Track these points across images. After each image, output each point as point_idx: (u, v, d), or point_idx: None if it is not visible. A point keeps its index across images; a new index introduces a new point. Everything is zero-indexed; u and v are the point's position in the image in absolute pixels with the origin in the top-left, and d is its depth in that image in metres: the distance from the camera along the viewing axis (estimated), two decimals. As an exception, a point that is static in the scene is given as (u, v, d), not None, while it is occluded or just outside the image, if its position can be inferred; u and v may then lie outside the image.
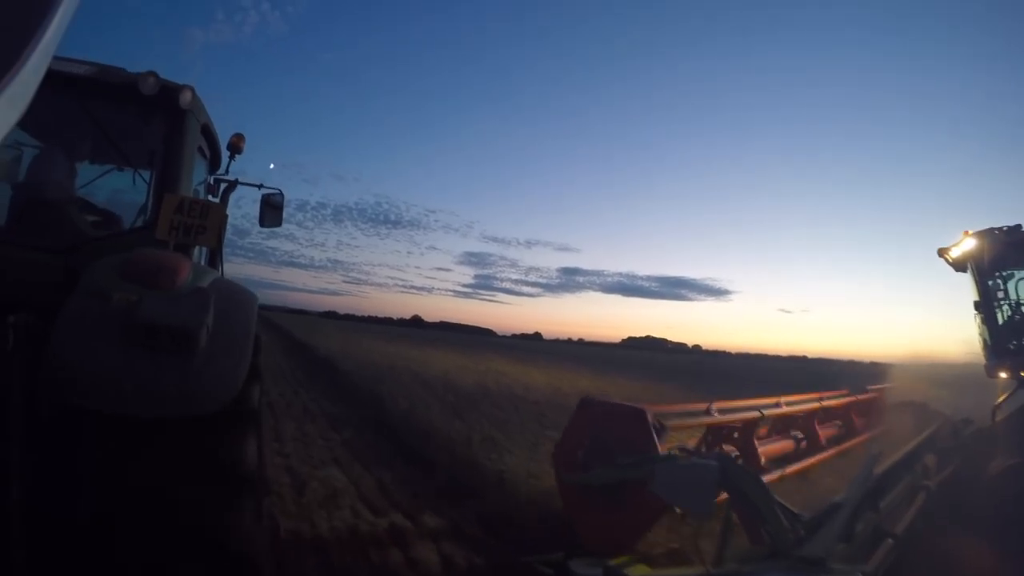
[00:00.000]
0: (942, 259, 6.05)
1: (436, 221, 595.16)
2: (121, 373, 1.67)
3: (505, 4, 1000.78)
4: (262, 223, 3.67)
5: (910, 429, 6.43)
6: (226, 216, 3.01)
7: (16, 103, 0.56)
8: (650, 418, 3.68)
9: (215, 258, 3.27)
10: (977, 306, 6.27)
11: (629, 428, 3.70)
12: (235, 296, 2.18)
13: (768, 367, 52.47)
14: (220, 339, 1.85)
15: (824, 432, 6.56)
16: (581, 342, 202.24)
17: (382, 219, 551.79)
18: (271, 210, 3.60)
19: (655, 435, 3.60)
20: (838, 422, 7.21)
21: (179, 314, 1.79)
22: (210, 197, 3.53)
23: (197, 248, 2.79)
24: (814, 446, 6.18)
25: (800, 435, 6.22)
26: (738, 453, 4.91)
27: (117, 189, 3.06)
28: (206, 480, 1.72)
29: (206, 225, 2.35)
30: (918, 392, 8.61)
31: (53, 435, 1.65)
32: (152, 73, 2.50)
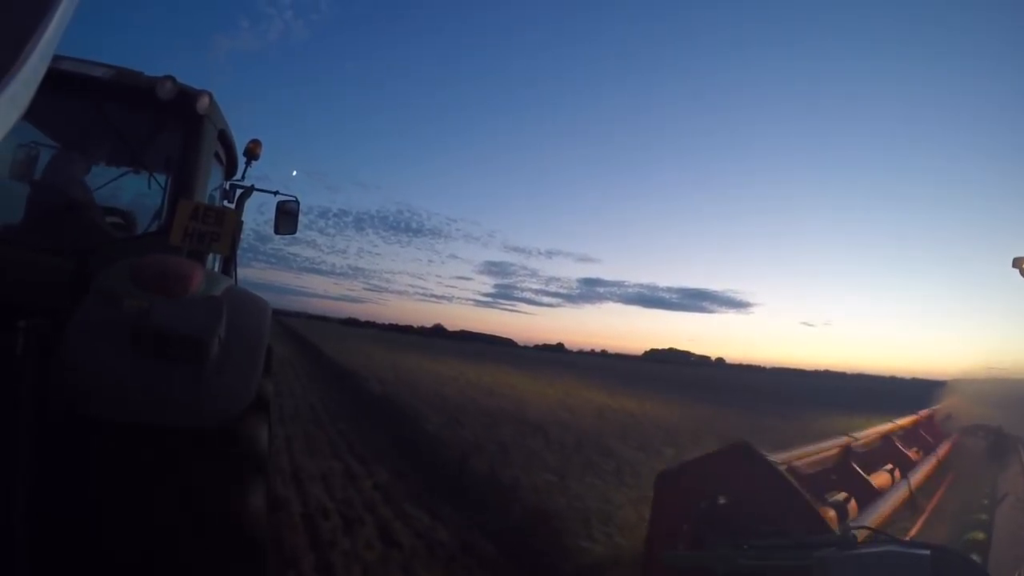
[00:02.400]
0: (1017, 270, 4.41)
1: (457, 230, 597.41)
2: (131, 381, 1.63)
3: (528, 14, 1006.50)
4: (277, 230, 3.58)
5: (984, 454, 6.24)
6: (241, 222, 2.98)
7: (16, 103, 0.56)
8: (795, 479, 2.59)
9: (229, 265, 3.24)
10: None
11: (769, 492, 2.53)
12: (248, 305, 2.12)
13: (814, 384, 48.45)
14: (232, 349, 1.80)
15: (911, 453, 5.60)
16: (604, 354, 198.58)
17: (403, 227, 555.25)
18: (286, 217, 3.53)
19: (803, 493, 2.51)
20: (914, 447, 6.20)
21: (191, 322, 1.74)
22: (225, 203, 3.47)
23: (211, 254, 2.80)
24: (909, 466, 5.09)
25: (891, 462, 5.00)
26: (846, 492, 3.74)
27: (133, 192, 2.95)
28: (215, 494, 1.64)
29: (220, 232, 2.24)
30: (983, 413, 7.85)
31: (62, 441, 1.61)
32: (170, 78, 2.42)
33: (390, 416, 8.18)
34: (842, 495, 3.65)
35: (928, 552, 1.80)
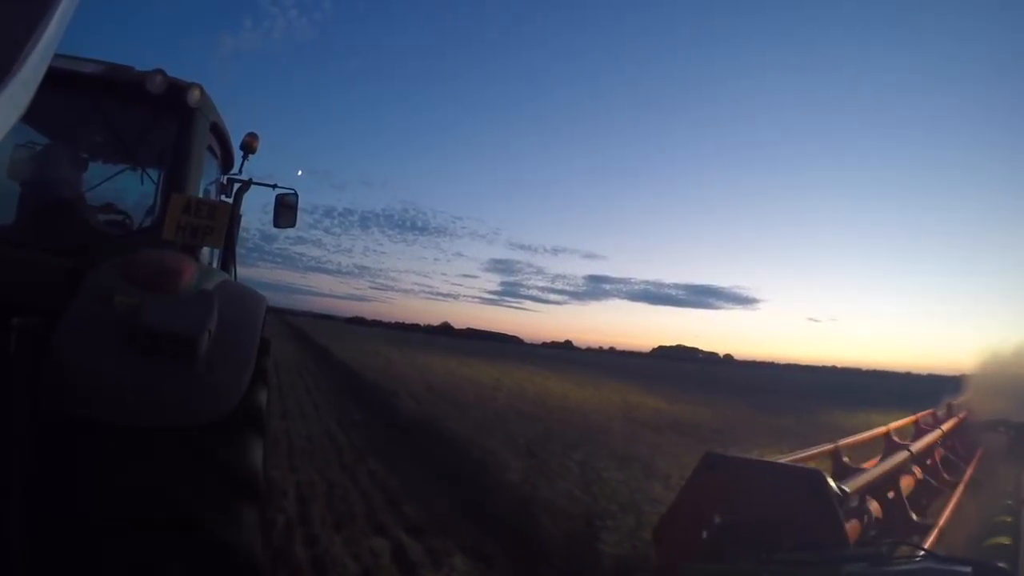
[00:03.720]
0: None
1: (463, 228, 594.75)
2: (120, 380, 1.59)
3: (533, 11, 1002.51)
4: (276, 223, 3.53)
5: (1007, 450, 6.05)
6: (240, 216, 3.26)
7: (16, 103, 0.56)
8: (833, 487, 2.30)
9: (228, 261, 3.22)
10: None
11: (799, 501, 2.29)
12: (241, 300, 2.08)
13: (843, 382, 47.21)
14: (223, 345, 1.75)
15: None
16: (613, 351, 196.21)
17: (409, 225, 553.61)
18: (285, 210, 3.50)
19: (839, 511, 2.25)
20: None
21: (181, 319, 1.69)
22: (223, 197, 3.42)
23: (209, 249, 2.78)
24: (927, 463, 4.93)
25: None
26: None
27: (127, 188, 2.86)
28: (206, 492, 1.57)
29: (213, 225, 2.15)
30: (1004, 408, 7.36)
31: (53, 441, 1.55)
32: (160, 71, 2.37)
33: (438, 451, 6.02)
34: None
35: (970, 569, 1.72)
